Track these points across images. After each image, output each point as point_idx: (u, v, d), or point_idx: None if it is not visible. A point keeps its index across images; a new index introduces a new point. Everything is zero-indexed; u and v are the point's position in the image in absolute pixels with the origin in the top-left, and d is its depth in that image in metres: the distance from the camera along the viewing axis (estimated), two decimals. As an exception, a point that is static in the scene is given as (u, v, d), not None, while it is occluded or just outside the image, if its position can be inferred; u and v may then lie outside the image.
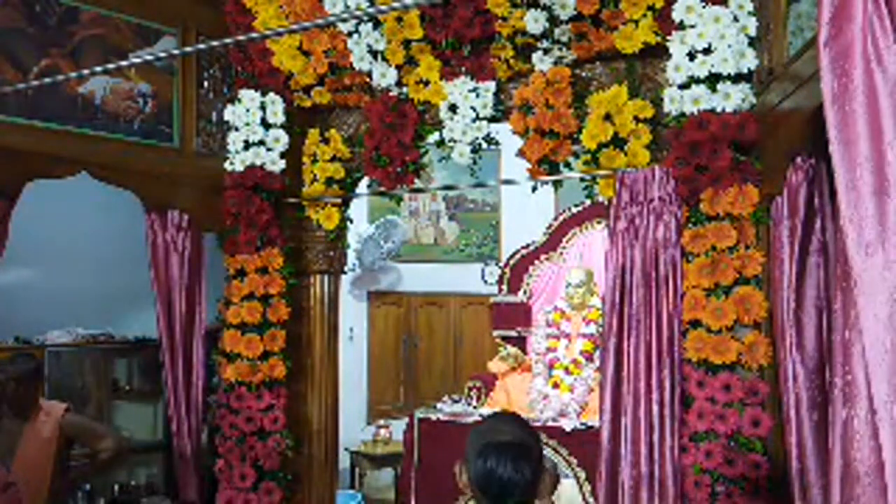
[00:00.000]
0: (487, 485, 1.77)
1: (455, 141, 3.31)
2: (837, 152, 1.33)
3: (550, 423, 5.02)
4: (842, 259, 1.34)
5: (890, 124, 1.27)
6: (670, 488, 2.77)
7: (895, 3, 1.29)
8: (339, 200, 3.77)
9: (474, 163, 3.33)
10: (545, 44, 3.06)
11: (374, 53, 3.37)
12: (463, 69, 3.26)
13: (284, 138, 3.67)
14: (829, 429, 2.29)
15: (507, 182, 4.47)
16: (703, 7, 2.66)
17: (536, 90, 3.08)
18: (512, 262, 6.32)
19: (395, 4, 2.08)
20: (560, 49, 3.06)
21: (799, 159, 2.34)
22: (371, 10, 2.96)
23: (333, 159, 3.71)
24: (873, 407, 1.24)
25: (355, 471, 6.89)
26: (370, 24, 3.32)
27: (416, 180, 3.51)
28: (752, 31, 2.63)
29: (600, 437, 2.96)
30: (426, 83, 3.35)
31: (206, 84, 3.78)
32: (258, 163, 3.64)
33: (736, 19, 2.63)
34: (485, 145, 3.32)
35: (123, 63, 2.49)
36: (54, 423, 3.17)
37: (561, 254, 6.17)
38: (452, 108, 3.29)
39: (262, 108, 3.66)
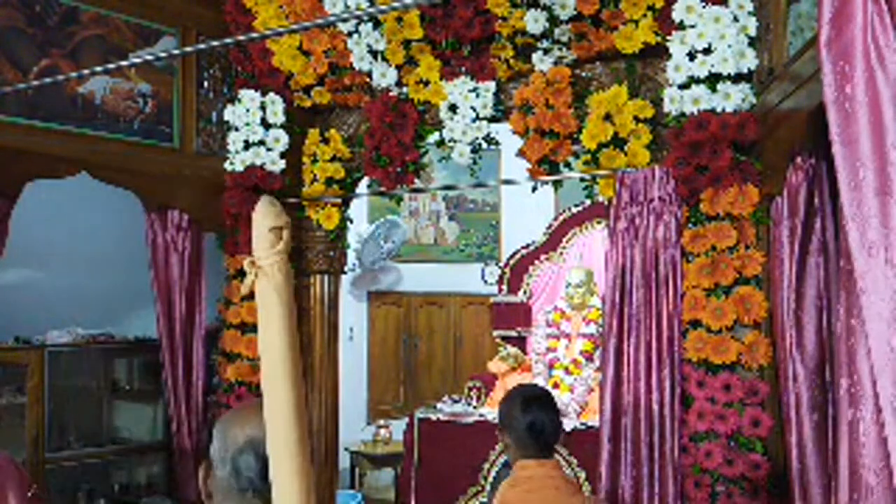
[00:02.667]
0: (537, 429, 2.25)
1: (455, 141, 3.31)
2: (839, 152, 1.33)
3: (550, 423, 5.01)
4: (844, 259, 1.34)
5: (892, 124, 1.27)
6: (670, 488, 2.77)
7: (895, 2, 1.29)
8: (339, 200, 3.77)
9: (474, 163, 3.33)
10: (545, 44, 3.06)
11: (374, 53, 3.37)
12: (463, 69, 3.26)
13: (284, 138, 3.67)
14: (829, 429, 2.30)
15: (507, 182, 4.48)
16: (703, 7, 2.66)
17: (536, 90, 3.08)
18: (512, 262, 6.31)
19: (395, 4, 2.08)
20: (560, 49, 3.06)
21: (799, 159, 2.34)
22: (371, 10, 2.96)
23: (333, 159, 3.71)
24: (879, 407, 1.24)
25: (355, 471, 6.89)
26: (370, 24, 3.32)
27: (416, 180, 3.51)
28: (752, 31, 2.63)
29: (600, 437, 2.96)
30: (426, 83, 3.35)
31: (206, 84, 3.78)
32: (258, 163, 3.64)
33: (736, 19, 2.63)
34: (485, 145, 3.32)
35: (123, 63, 2.49)
36: None
37: (561, 254, 6.16)
38: (452, 108, 3.29)
39: (262, 108, 3.66)
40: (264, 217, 1.31)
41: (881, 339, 1.25)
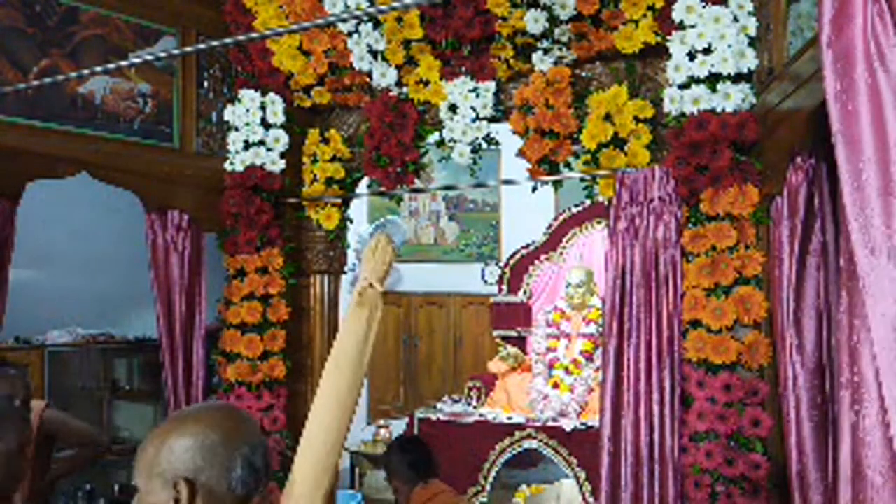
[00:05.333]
0: (415, 463, 2.99)
1: (455, 141, 3.30)
2: (841, 153, 1.32)
3: (550, 423, 5.02)
4: (846, 259, 1.34)
5: (894, 123, 1.27)
6: (670, 488, 2.77)
7: (896, 2, 1.29)
8: (339, 200, 3.76)
9: (474, 163, 3.33)
10: (545, 44, 3.06)
11: (374, 53, 3.37)
12: (463, 69, 3.26)
13: (284, 138, 3.67)
14: (829, 429, 2.30)
15: (507, 182, 4.48)
16: (703, 7, 2.66)
17: (536, 90, 3.08)
18: (512, 262, 6.32)
19: (395, 4, 2.08)
20: (560, 49, 3.06)
21: (799, 159, 2.34)
22: (371, 10, 2.96)
23: (333, 159, 3.71)
24: (884, 407, 1.24)
25: (355, 471, 6.89)
26: (370, 24, 3.32)
27: (416, 180, 3.51)
28: (752, 31, 2.63)
29: (600, 437, 2.96)
30: (426, 83, 3.35)
31: (206, 84, 3.78)
32: (258, 163, 3.64)
33: (736, 19, 2.63)
34: (485, 145, 3.32)
35: (123, 63, 2.49)
36: (34, 419, 3.13)
37: (561, 254, 6.17)
38: (452, 108, 3.29)
39: (262, 108, 3.66)
40: (390, 256, 1.73)
41: (886, 339, 1.25)
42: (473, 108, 3.25)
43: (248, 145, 3.66)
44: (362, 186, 3.92)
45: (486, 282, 7.24)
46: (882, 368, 1.24)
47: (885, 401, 1.23)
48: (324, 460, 1.53)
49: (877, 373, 1.26)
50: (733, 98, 2.65)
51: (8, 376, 2.81)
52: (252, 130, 3.64)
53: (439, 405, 5.67)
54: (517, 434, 5.06)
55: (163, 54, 2.75)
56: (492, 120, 3.28)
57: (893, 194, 1.26)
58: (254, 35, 2.32)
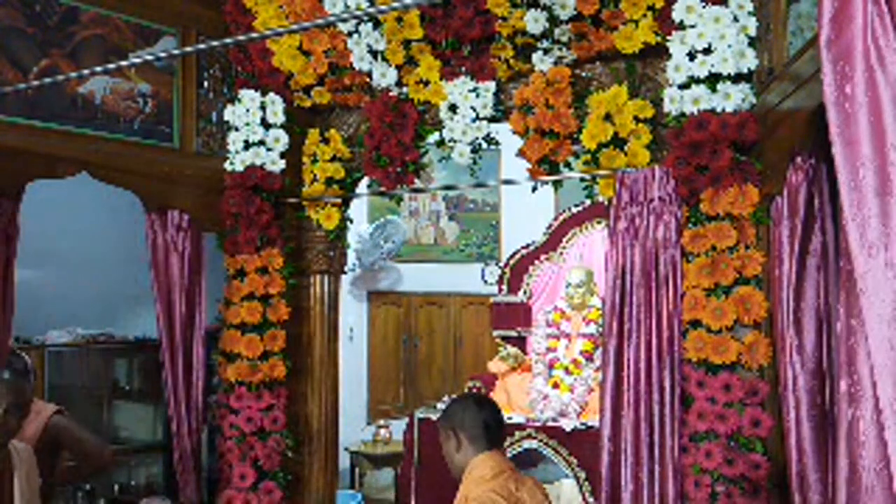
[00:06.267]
0: (491, 426, 2.45)
1: (455, 141, 3.31)
2: (839, 153, 1.33)
3: (550, 423, 5.02)
4: (844, 259, 1.35)
5: (892, 124, 1.27)
6: (670, 488, 2.77)
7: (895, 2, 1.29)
8: (339, 200, 3.77)
9: (474, 163, 3.33)
10: (545, 44, 3.06)
11: (374, 53, 3.37)
12: (463, 69, 3.26)
13: (284, 138, 3.67)
14: (829, 429, 2.30)
15: (507, 182, 4.48)
16: (703, 7, 2.66)
17: (536, 90, 3.08)
18: (512, 262, 6.32)
19: (395, 4, 2.08)
20: (560, 49, 3.06)
21: (799, 159, 2.34)
22: (371, 10, 2.96)
23: (333, 159, 3.71)
24: (879, 407, 1.24)
25: (355, 471, 6.90)
26: (370, 24, 3.32)
27: (416, 180, 3.51)
28: (752, 31, 2.63)
29: (600, 437, 2.96)
30: (426, 83, 3.35)
31: (206, 84, 3.78)
32: (258, 163, 3.64)
33: (736, 19, 2.63)
34: (485, 145, 3.32)
35: (123, 63, 2.49)
36: (41, 422, 3.12)
37: (561, 254, 6.17)
38: (452, 108, 3.29)
39: (262, 108, 3.66)
40: None
41: (881, 339, 1.25)
42: (473, 108, 3.25)
43: (248, 145, 3.66)
44: (362, 186, 3.92)
45: (486, 282, 7.24)
46: (877, 369, 1.24)
47: (880, 401, 1.24)
48: None
49: (872, 373, 1.26)
50: (733, 98, 2.65)
51: None
52: (252, 130, 3.64)
53: (439, 405, 5.66)
54: (517, 434, 5.07)
55: (163, 54, 2.75)
56: (492, 120, 3.28)
57: (891, 194, 1.26)
58: (254, 35, 2.32)
